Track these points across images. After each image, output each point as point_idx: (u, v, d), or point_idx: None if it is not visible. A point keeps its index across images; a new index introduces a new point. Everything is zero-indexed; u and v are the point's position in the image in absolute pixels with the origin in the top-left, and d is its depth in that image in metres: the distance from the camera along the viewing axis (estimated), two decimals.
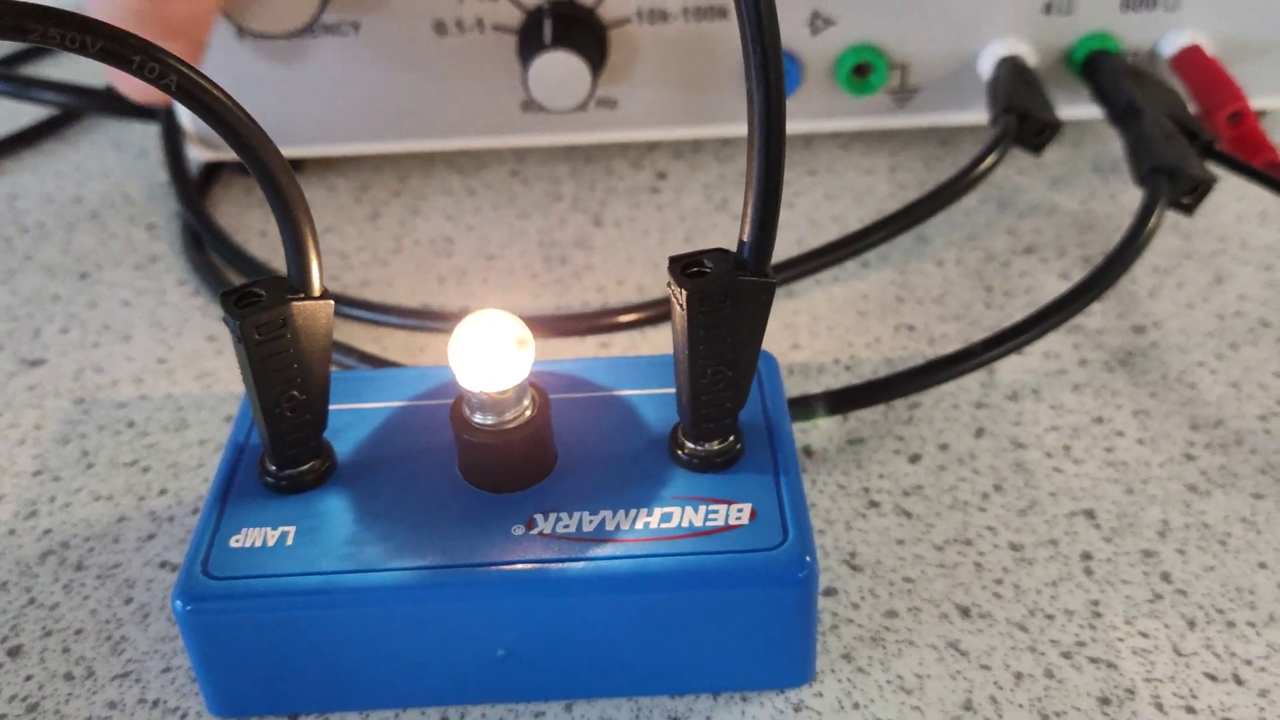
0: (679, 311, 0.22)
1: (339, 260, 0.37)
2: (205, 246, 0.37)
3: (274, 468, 0.24)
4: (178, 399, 0.32)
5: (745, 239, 0.22)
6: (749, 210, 0.22)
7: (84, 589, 0.27)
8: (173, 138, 0.41)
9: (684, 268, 0.22)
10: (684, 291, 0.22)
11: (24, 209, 0.41)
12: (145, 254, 0.38)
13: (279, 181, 0.21)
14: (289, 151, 0.39)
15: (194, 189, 0.39)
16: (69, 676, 0.25)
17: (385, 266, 0.37)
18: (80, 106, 0.43)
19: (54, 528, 0.29)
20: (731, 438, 0.24)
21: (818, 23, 0.37)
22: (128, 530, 0.28)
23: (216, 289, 0.36)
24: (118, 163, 0.43)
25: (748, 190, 0.21)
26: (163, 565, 0.28)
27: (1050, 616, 0.25)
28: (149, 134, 0.44)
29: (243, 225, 0.39)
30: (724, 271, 0.22)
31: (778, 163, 0.21)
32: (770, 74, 0.20)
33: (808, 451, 0.30)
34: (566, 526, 0.23)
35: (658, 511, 0.23)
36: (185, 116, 0.39)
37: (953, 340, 0.33)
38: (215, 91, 0.20)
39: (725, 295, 0.22)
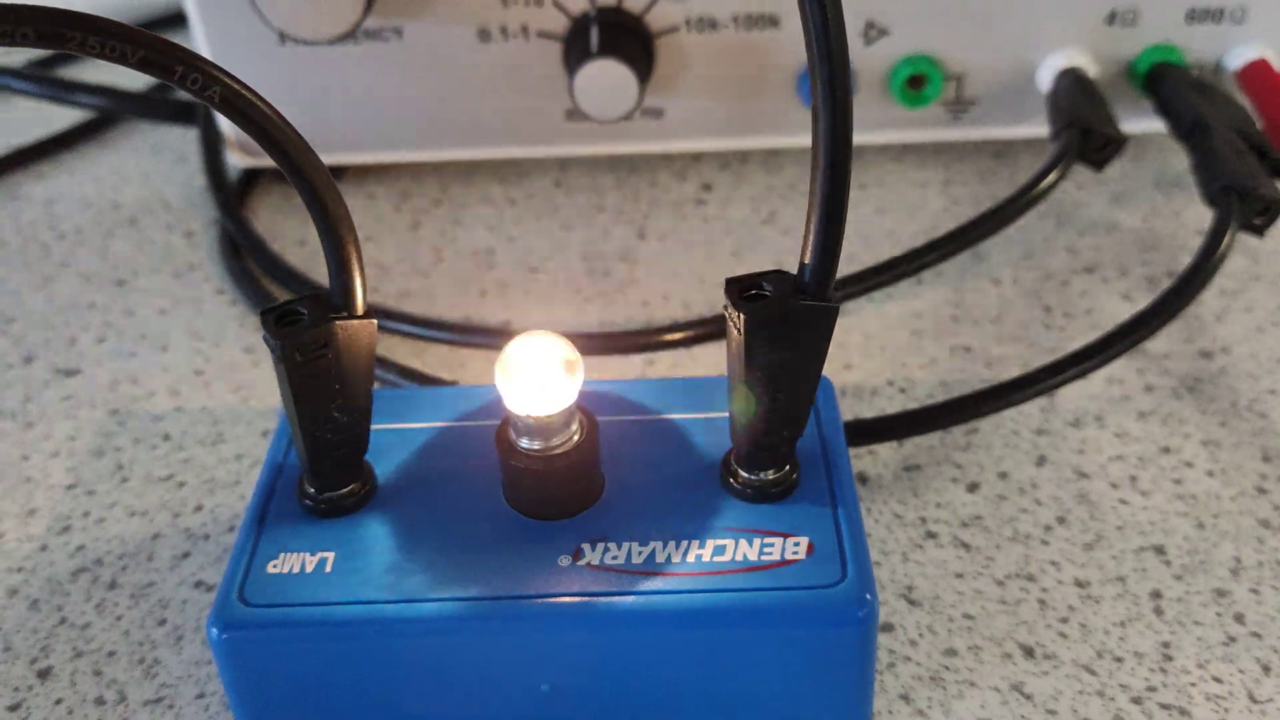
0: (735, 336, 0.21)
1: (379, 271, 0.37)
2: (243, 255, 0.37)
3: (313, 490, 0.23)
4: (214, 411, 0.32)
5: (806, 261, 0.21)
6: (811, 231, 0.21)
7: (117, 609, 0.26)
8: (211, 143, 0.40)
9: (742, 290, 0.21)
10: (742, 315, 0.21)
11: (61, 214, 0.40)
12: (183, 261, 0.37)
13: (324, 198, 0.21)
14: (329, 159, 0.39)
15: (233, 196, 0.39)
16: (100, 701, 0.25)
17: (426, 278, 0.36)
18: (118, 110, 0.42)
19: (87, 544, 0.28)
20: (788, 467, 0.23)
21: (872, 33, 0.36)
22: (162, 548, 0.28)
23: (254, 299, 0.35)
24: (156, 168, 0.42)
25: (810, 210, 0.20)
26: (197, 585, 0.27)
27: (1119, 659, 0.24)
28: (188, 139, 0.43)
29: (281, 233, 0.38)
30: (784, 295, 0.21)
31: (843, 183, 0.20)
32: (837, 92, 0.19)
33: (862, 478, 0.29)
34: (615, 558, 0.22)
35: (710, 544, 0.22)
36: (225, 122, 0.39)
37: (1010, 362, 0.32)
38: (260, 104, 0.20)
39: (785, 320, 0.21)
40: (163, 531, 0.28)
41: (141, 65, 0.19)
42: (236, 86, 0.19)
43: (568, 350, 0.22)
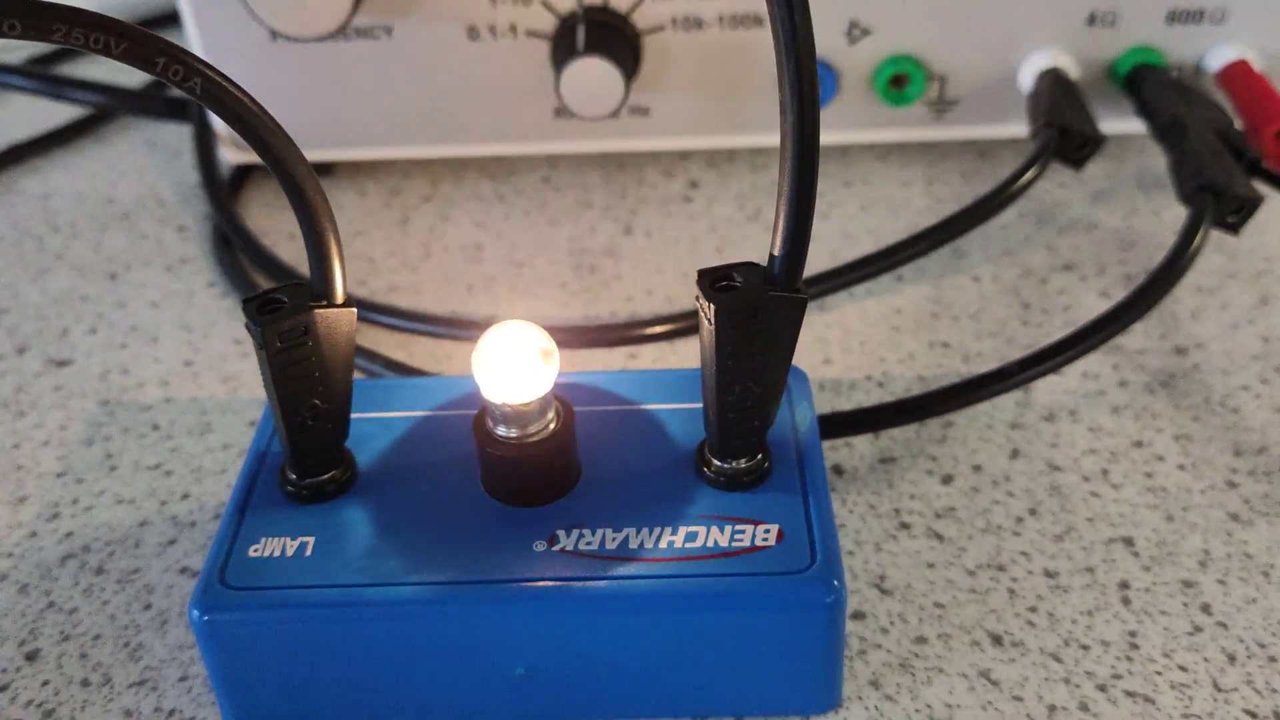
0: (707, 326, 0.22)
1: (367, 265, 0.37)
2: (234, 249, 0.37)
3: (294, 476, 0.24)
4: (202, 402, 0.32)
5: (776, 253, 0.21)
6: (780, 224, 0.21)
7: (103, 593, 0.27)
8: (205, 140, 0.41)
9: (713, 281, 0.22)
10: (712, 306, 0.21)
11: (56, 208, 0.41)
12: (175, 255, 0.38)
13: (303, 188, 0.21)
14: (320, 155, 0.39)
15: (224, 191, 0.39)
16: (85, 683, 0.25)
17: (414, 272, 0.37)
18: (114, 106, 0.43)
19: (75, 530, 0.28)
20: (760, 455, 0.24)
21: (855, 32, 0.37)
22: (149, 535, 0.28)
23: (244, 292, 0.35)
24: (150, 163, 0.43)
25: (779, 203, 0.21)
26: (182, 571, 0.27)
27: (1086, 647, 0.25)
28: (182, 135, 0.44)
29: (272, 228, 0.39)
30: (754, 286, 0.22)
31: (810, 176, 0.21)
32: (804, 86, 0.20)
33: (838, 470, 0.29)
34: (589, 544, 0.23)
35: (683, 530, 0.23)
36: (217, 118, 0.39)
37: (988, 358, 0.32)
38: (240, 96, 0.20)
39: (755, 311, 0.22)
40: (150, 519, 0.29)
41: (124, 56, 0.19)
42: (216, 78, 0.20)
43: (543, 339, 0.23)
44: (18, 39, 0.19)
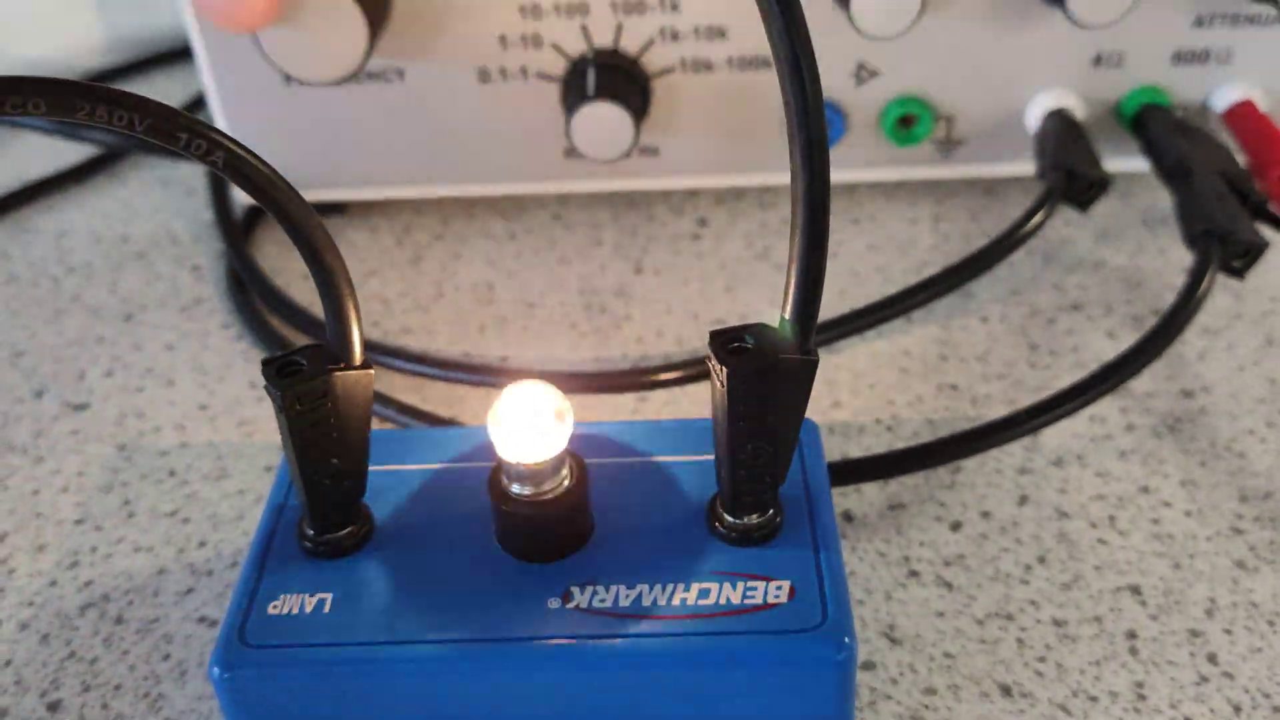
0: (719, 388, 0.22)
1: (380, 306, 0.37)
2: (248, 290, 0.38)
3: (312, 532, 0.24)
4: (218, 447, 0.32)
5: (787, 316, 0.22)
6: (791, 288, 0.21)
7: (123, 643, 0.27)
8: (218, 178, 0.41)
9: (725, 343, 0.22)
10: (725, 369, 0.22)
11: (71, 248, 0.41)
12: (190, 296, 0.38)
13: (323, 255, 0.22)
14: (333, 195, 0.40)
15: (239, 231, 0.40)
16: None
17: (426, 313, 0.37)
18: (128, 145, 0.43)
19: (95, 579, 0.29)
20: (771, 511, 0.24)
21: (863, 74, 0.37)
22: (167, 583, 0.29)
23: (259, 334, 0.36)
24: (165, 202, 0.43)
25: (791, 265, 0.21)
26: (200, 620, 0.28)
27: (1094, 698, 0.25)
28: (196, 173, 0.44)
29: (286, 266, 0.39)
30: (766, 349, 0.22)
31: (821, 239, 0.21)
32: (815, 158, 0.20)
33: (848, 516, 0.29)
34: (603, 600, 0.23)
35: (695, 587, 0.23)
36: None
37: (995, 401, 0.33)
38: (261, 168, 0.20)
39: (767, 373, 0.22)
40: (168, 567, 0.29)
41: (149, 133, 0.19)
42: (239, 151, 0.20)
43: (558, 399, 0.23)
44: (42, 118, 0.19)
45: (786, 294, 0.22)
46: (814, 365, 0.22)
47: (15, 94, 0.18)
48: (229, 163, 0.20)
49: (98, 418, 0.34)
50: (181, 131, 0.20)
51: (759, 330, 0.22)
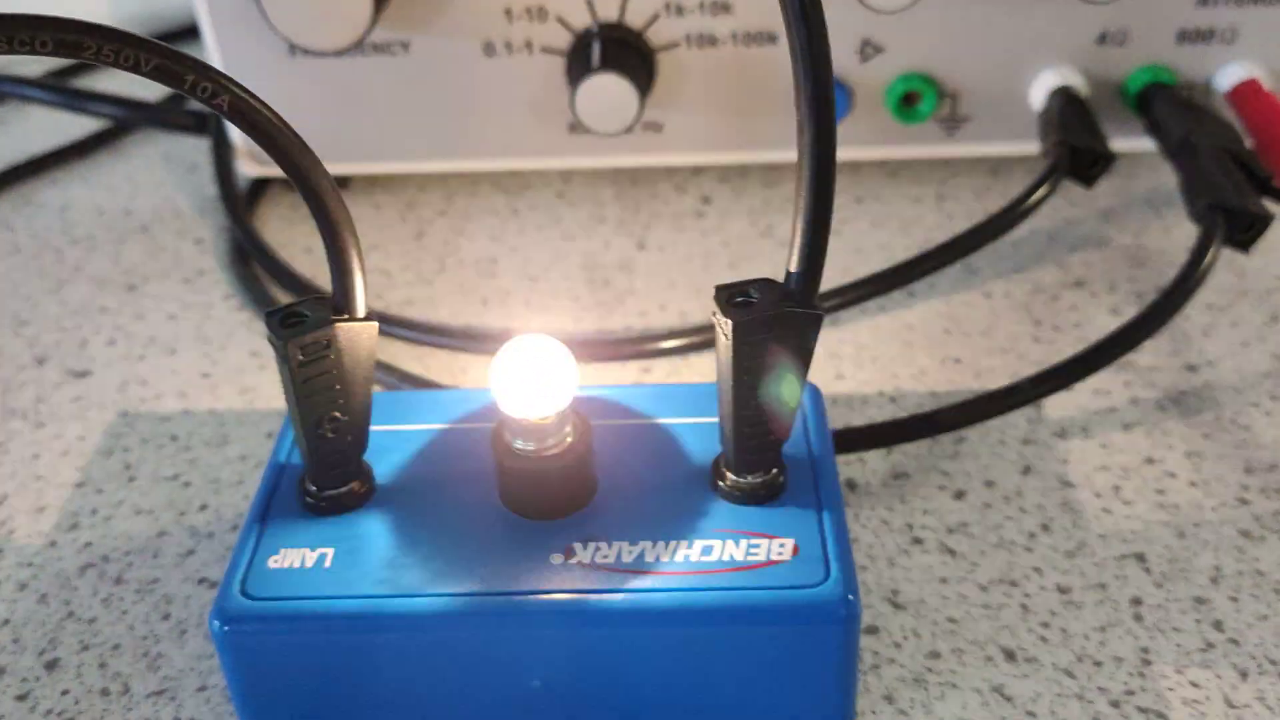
0: (724, 341, 0.22)
1: (383, 279, 0.37)
2: (251, 261, 0.38)
3: (314, 488, 0.24)
4: (220, 414, 0.32)
5: (793, 269, 0.22)
6: (797, 240, 0.21)
7: (123, 603, 0.27)
8: (222, 153, 0.41)
9: (730, 297, 0.22)
10: (729, 321, 0.22)
11: (75, 220, 0.41)
12: (193, 268, 0.38)
13: (327, 204, 0.21)
14: (337, 168, 0.39)
15: (242, 204, 0.40)
16: (105, 692, 0.25)
17: (429, 285, 0.37)
18: (133, 120, 0.43)
19: (94, 540, 0.29)
20: (775, 470, 0.24)
21: (868, 50, 0.37)
22: (168, 545, 0.28)
23: (261, 304, 0.36)
24: (168, 176, 0.43)
25: (796, 219, 0.21)
26: (201, 581, 0.28)
27: (1099, 663, 0.25)
28: (200, 148, 0.44)
29: (289, 240, 0.39)
30: (770, 302, 0.22)
31: (827, 193, 0.21)
32: (821, 105, 0.20)
33: (851, 485, 0.29)
34: (606, 557, 0.23)
35: (698, 544, 0.23)
36: (235, 132, 0.39)
37: (999, 374, 0.32)
38: (267, 113, 0.20)
39: (771, 327, 0.22)
40: (168, 529, 0.29)
41: (154, 73, 0.19)
42: (244, 95, 0.20)
43: (562, 353, 0.23)
44: (49, 55, 0.19)
45: (792, 248, 0.22)
46: (819, 319, 0.22)
47: (24, 29, 0.18)
48: (234, 105, 0.20)
49: (100, 385, 0.34)
50: (189, 73, 0.19)
51: (764, 285, 0.22)
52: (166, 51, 0.19)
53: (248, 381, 0.33)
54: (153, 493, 0.30)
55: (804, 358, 0.22)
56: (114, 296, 0.37)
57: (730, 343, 0.22)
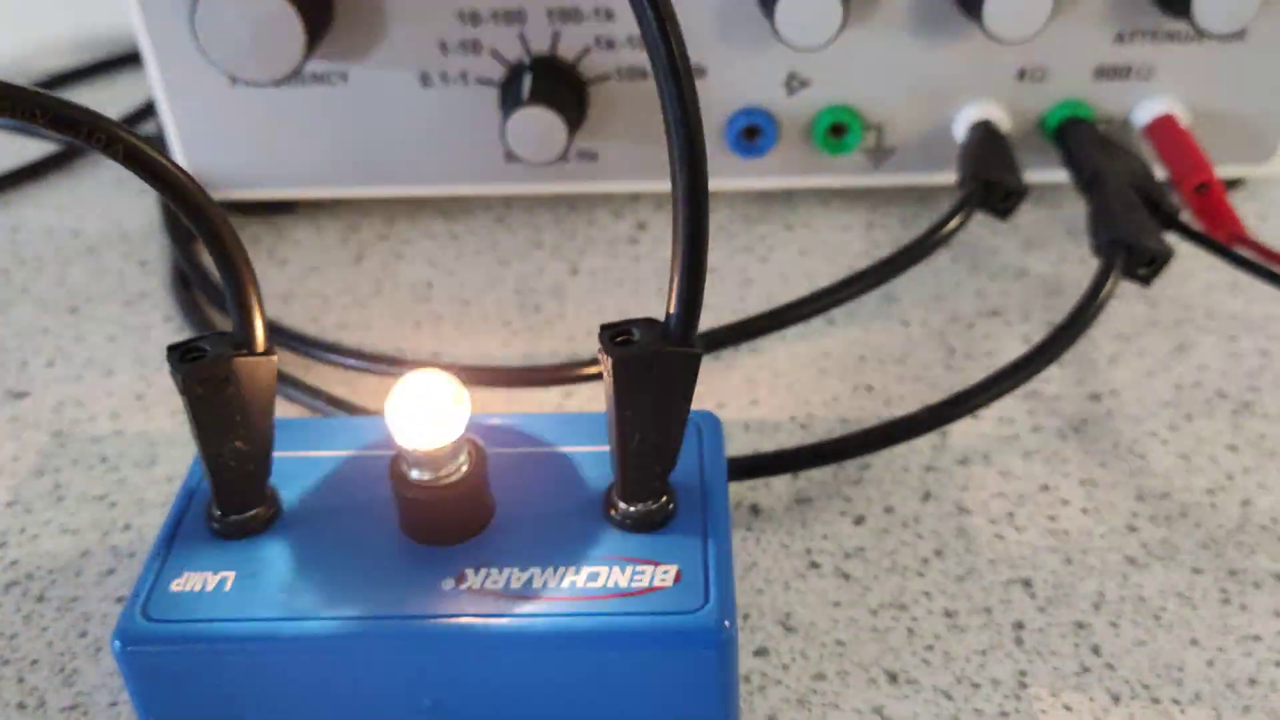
0: (607, 378, 0.23)
1: (320, 302, 0.38)
2: (192, 285, 0.39)
3: (219, 513, 0.25)
4: (151, 435, 0.33)
5: (671, 311, 0.23)
6: (674, 283, 0.22)
7: (43, 620, 0.28)
8: None
9: (613, 336, 0.23)
10: (610, 359, 0.23)
11: (24, 241, 0.42)
12: (135, 290, 0.39)
13: (225, 243, 0.22)
14: (280, 194, 0.41)
15: (183, 228, 0.40)
16: (21, 706, 0.26)
17: (364, 309, 0.38)
18: (85, 143, 0.44)
19: (20, 559, 0.30)
20: (664, 498, 0.25)
21: (794, 83, 0.38)
22: (90, 564, 0.29)
23: (200, 328, 0.37)
24: (118, 200, 0.44)
25: (674, 262, 0.22)
26: (118, 600, 0.28)
27: (976, 685, 0.26)
28: None
29: None
30: (650, 341, 0.23)
31: (700, 239, 0.22)
32: (692, 158, 0.21)
33: (755, 509, 0.30)
34: (495, 582, 0.24)
35: (585, 570, 0.24)
36: (180, 157, 0.40)
37: (909, 402, 0.33)
38: (160, 160, 0.21)
39: (650, 365, 0.23)
40: (92, 549, 0.30)
41: (52, 125, 0.20)
42: (137, 143, 0.21)
43: (453, 386, 0.24)
44: None
45: (670, 290, 0.23)
46: (696, 358, 0.23)
47: None
48: (129, 153, 0.21)
49: (36, 405, 0.35)
50: (83, 124, 0.20)
51: (646, 325, 0.23)
52: (63, 105, 0.20)
53: (180, 403, 0.34)
54: (80, 513, 0.31)
55: (684, 393, 0.23)
56: (56, 318, 0.38)
57: (612, 379, 0.23)
